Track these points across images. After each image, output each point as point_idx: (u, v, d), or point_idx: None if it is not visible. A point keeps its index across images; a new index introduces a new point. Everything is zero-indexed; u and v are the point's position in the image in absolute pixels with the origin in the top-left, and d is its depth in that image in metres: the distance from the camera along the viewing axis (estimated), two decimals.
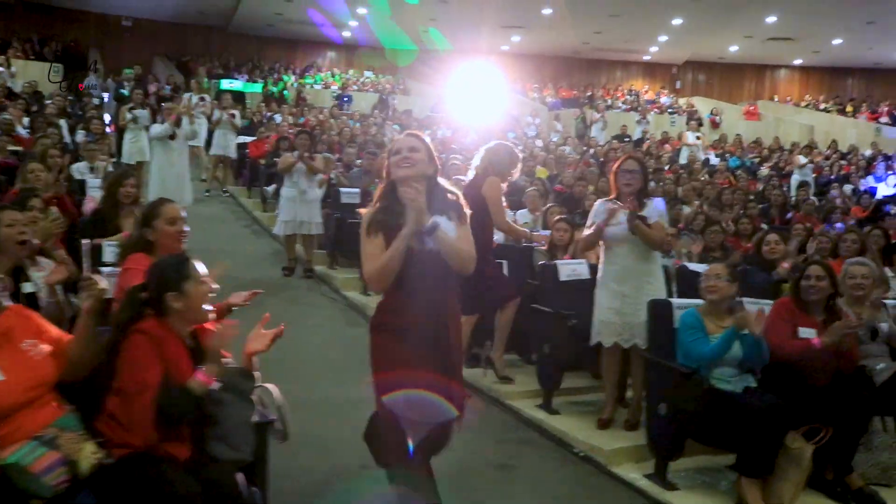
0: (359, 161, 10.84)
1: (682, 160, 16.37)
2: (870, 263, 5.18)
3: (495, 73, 22.24)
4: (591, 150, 15.76)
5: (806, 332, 4.43)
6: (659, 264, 4.85)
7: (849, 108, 23.98)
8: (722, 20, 20.77)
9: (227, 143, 12.98)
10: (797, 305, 4.51)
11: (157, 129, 8.56)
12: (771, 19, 20.56)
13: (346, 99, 21.54)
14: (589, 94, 24.81)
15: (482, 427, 5.05)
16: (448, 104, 20.08)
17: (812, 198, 12.77)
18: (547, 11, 20.56)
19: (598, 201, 4.89)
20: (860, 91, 25.93)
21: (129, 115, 11.70)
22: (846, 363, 4.53)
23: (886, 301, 5.35)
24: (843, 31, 21.53)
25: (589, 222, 4.85)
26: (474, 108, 18.53)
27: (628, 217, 4.62)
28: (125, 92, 16.75)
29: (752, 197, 11.26)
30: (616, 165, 4.82)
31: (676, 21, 21.27)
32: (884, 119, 23.18)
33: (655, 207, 4.72)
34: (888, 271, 6.49)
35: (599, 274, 4.86)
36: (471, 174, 5.84)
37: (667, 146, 18.53)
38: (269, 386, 3.35)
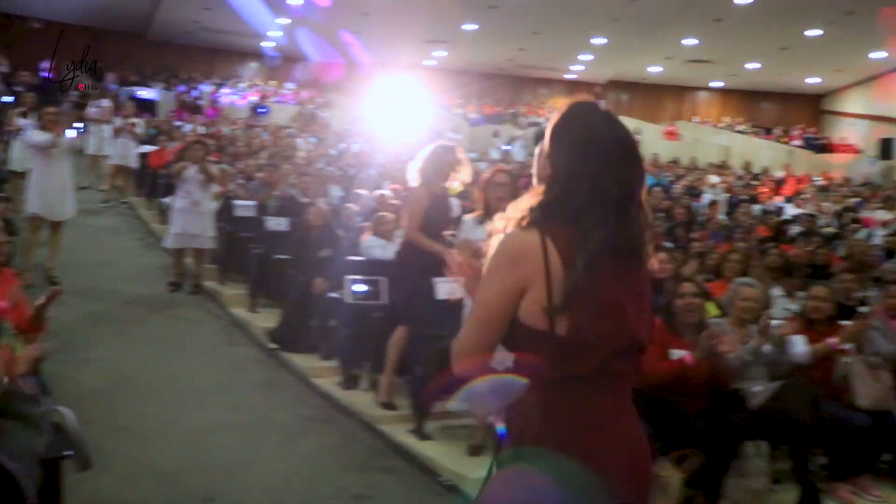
0: (259, 173, 10.48)
1: None
2: (758, 285, 5.10)
3: (418, 87, 22.09)
4: (509, 167, 15.67)
5: (678, 354, 4.29)
6: None
7: (777, 134, 24.46)
8: (643, 41, 21.02)
9: (128, 153, 12.49)
10: (667, 327, 4.37)
11: (37, 137, 8.01)
12: (690, 42, 20.90)
13: (262, 110, 21.09)
14: (513, 110, 24.85)
15: (346, 453, 4.80)
16: (367, 118, 19.83)
17: (722, 216, 12.90)
18: (469, 27, 20.52)
19: (466, 217, 4.68)
20: (774, 114, 26.58)
21: (17, 121, 11.13)
22: (721, 381, 4.43)
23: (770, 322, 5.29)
24: (757, 56, 22.03)
25: (460, 237, 4.65)
26: (395, 122, 18.33)
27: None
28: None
29: (661, 214, 11.26)
30: (485, 179, 4.62)
31: (599, 41, 21.46)
32: (796, 142, 23.79)
33: None
34: (777, 291, 6.47)
35: None
36: (412, 180, 5.48)
37: None
38: (63, 409, 3.01)
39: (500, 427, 1.72)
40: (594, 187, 1.73)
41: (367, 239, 7.04)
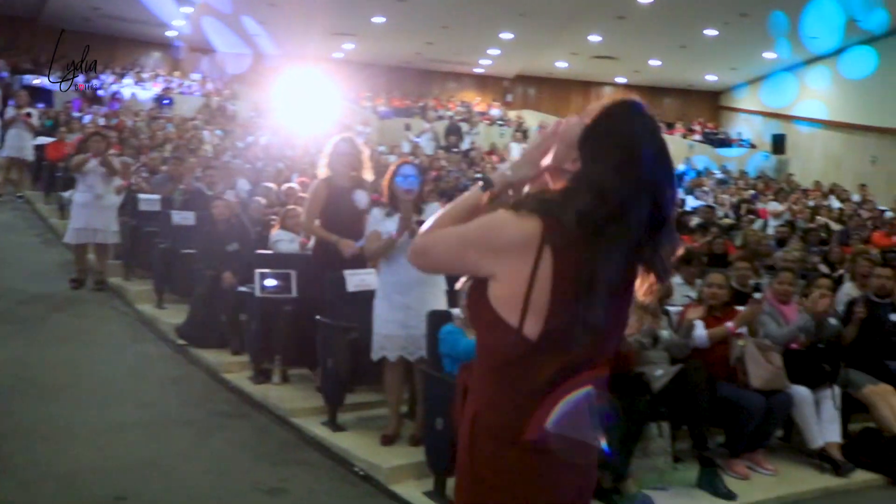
0: (164, 167, 10.23)
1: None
2: None
3: (326, 80, 21.92)
4: (418, 160, 15.74)
5: None
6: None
7: (680, 129, 25.25)
8: (549, 37, 21.39)
9: (23, 145, 11.97)
10: None
11: None
12: (595, 39, 21.40)
13: (166, 101, 20.51)
14: (422, 104, 24.90)
15: (259, 448, 4.77)
16: (275, 110, 19.57)
17: None
18: (378, 20, 20.46)
19: (374, 209, 4.73)
20: (676, 110, 27.46)
21: None
22: (622, 365, 4.61)
23: (669, 308, 5.53)
24: (659, 54, 22.73)
25: (368, 231, 4.68)
26: (303, 115, 18.16)
27: (408, 223, 4.49)
28: None
29: None
30: (391, 171, 4.67)
31: (506, 35, 21.72)
32: (697, 137, 24.68)
33: (433, 212, 4.60)
34: (677, 279, 6.73)
35: (379, 285, 4.68)
36: (320, 173, 5.54)
37: (493, 157, 18.86)
38: None
39: (604, 444, 1.67)
40: (631, 206, 1.59)
41: (276, 232, 6.99)
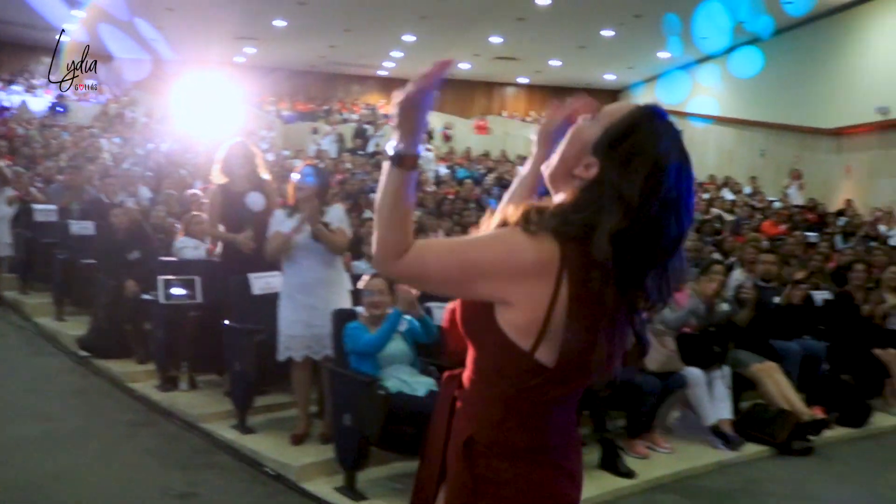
0: (60, 176, 9.95)
1: None
2: None
3: (229, 85, 21.61)
4: (323, 163, 15.69)
5: None
6: (342, 271, 4.83)
7: None
8: (451, 38, 21.62)
9: None
10: None
11: None
12: (496, 40, 21.75)
13: (60, 109, 19.82)
14: (326, 107, 24.82)
15: (168, 454, 4.74)
16: (176, 116, 19.17)
17: None
18: (280, 23, 20.29)
19: (277, 210, 4.79)
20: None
21: None
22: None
23: None
24: (559, 54, 23.28)
25: (270, 232, 4.72)
26: (206, 120, 17.86)
27: (310, 223, 4.55)
28: None
29: (472, 205, 11.72)
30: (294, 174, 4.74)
31: (409, 38, 21.87)
32: None
33: (336, 213, 4.70)
34: None
35: (283, 286, 4.73)
36: (215, 179, 5.53)
37: None
38: None
39: None
40: (660, 225, 1.48)
41: (180, 239, 6.91)
